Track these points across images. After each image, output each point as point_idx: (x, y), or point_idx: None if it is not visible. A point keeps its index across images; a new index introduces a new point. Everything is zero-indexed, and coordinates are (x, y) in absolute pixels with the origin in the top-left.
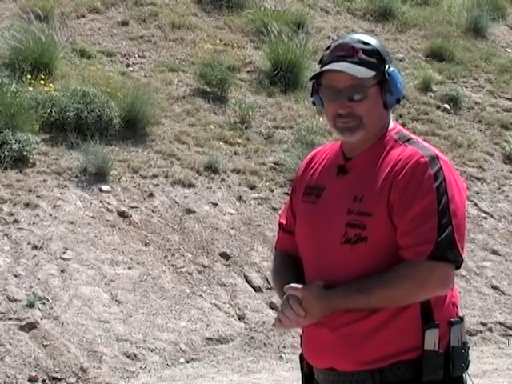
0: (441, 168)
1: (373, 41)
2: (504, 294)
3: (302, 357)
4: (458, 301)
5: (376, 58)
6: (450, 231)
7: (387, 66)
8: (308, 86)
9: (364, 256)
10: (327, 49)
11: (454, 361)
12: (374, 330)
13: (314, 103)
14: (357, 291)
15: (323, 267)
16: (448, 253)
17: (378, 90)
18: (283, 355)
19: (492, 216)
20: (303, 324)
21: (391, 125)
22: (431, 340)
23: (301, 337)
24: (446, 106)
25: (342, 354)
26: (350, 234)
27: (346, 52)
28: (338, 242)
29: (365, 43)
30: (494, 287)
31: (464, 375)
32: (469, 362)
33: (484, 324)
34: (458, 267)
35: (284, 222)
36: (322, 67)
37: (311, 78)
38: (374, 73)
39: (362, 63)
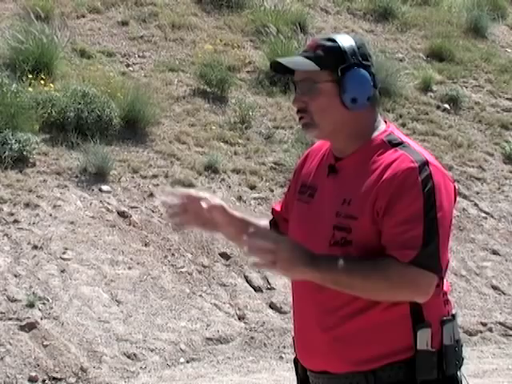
0: (430, 174)
1: (344, 40)
2: (504, 293)
3: (296, 360)
4: (450, 299)
5: (333, 56)
6: (436, 242)
7: (346, 66)
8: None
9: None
10: None
11: (447, 359)
12: (365, 329)
13: None
14: (342, 270)
15: None
16: (431, 262)
17: (335, 89)
18: (283, 355)
19: (492, 216)
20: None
21: (382, 126)
22: (424, 339)
23: (293, 339)
24: (446, 106)
25: (335, 355)
26: (337, 237)
27: (308, 47)
28: (327, 244)
29: (332, 41)
30: (494, 287)
31: (459, 373)
32: (463, 359)
33: (484, 324)
34: (439, 278)
35: (278, 209)
36: None
37: (274, 70)
38: (317, 68)
39: (313, 58)
